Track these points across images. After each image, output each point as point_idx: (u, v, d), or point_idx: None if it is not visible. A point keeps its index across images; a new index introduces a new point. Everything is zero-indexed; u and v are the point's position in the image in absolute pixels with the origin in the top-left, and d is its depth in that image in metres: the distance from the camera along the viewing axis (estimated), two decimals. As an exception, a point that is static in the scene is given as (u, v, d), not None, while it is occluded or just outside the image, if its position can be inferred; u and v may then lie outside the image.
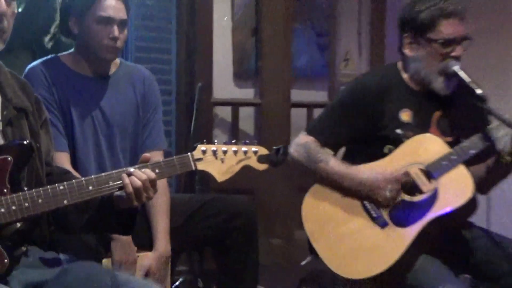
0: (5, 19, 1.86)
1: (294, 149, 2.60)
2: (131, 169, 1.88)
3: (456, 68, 2.43)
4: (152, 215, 2.65)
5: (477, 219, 2.61)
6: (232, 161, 1.98)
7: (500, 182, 2.59)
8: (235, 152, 1.99)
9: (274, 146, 2.03)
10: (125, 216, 1.98)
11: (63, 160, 2.52)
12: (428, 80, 2.54)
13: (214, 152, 1.96)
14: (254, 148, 2.00)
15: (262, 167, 2.01)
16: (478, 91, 2.38)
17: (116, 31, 2.60)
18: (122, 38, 2.66)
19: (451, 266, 2.44)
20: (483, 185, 2.59)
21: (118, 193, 1.90)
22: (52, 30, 2.74)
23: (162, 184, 2.63)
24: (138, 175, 1.87)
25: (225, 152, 1.97)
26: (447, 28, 2.49)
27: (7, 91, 1.94)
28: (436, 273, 2.37)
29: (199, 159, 1.95)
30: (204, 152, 1.95)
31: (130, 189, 1.86)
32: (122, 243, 2.50)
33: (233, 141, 2.02)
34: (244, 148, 1.99)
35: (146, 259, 2.59)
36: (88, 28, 2.61)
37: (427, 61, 2.54)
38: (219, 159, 1.97)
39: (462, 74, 2.42)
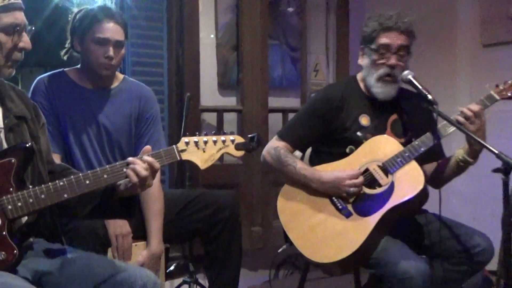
0: None
1: (267, 151, 2.64)
2: (131, 159, 1.85)
3: (410, 76, 2.44)
4: (148, 218, 2.62)
5: (430, 206, 2.60)
6: (212, 150, 1.95)
7: (452, 179, 2.60)
8: (215, 142, 1.96)
9: (249, 135, 2.02)
10: (126, 203, 1.96)
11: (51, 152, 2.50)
12: (370, 85, 2.57)
13: (196, 143, 1.94)
14: (231, 137, 1.98)
15: (239, 153, 2.00)
16: (429, 96, 2.38)
17: (111, 51, 2.57)
18: (118, 57, 2.61)
19: (410, 247, 2.44)
20: (437, 181, 2.60)
21: (121, 182, 1.87)
22: (67, 45, 2.72)
23: (157, 189, 2.63)
24: (142, 166, 1.84)
25: (205, 142, 1.95)
26: (384, 40, 2.52)
27: (7, 102, 1.92)
28: (397, 251, 2.37)
29: (183, 150, 1.92)
30: (187, 143, 1.93)
31: (135, 179, 1.83)
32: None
33: (213, 132, 2.00)
34: (222, 138, 1.97)
35: (140, 256, 2.57)
36: (88, 47, 2.59)
37: (370, 69, 2.57)
38: (200, 149, 1.94)
39: (415, 82, 2.43)
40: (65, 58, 2.75)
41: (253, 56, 4.02)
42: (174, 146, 1.92)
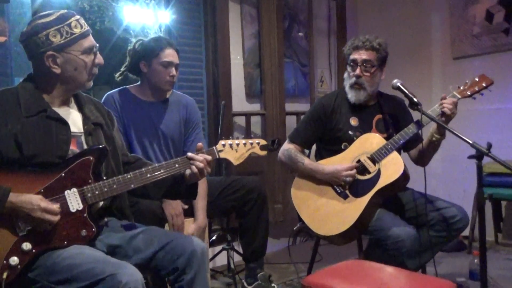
0: None
1: (281, 153, 2.68)
2: (190, 155, 1.86)
3: (399, 84, 2.39)
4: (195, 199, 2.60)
5: (415, 185, 2.55)
6: (243, 150, 1.95)
7: (432, 155, 2.54)
8: (245, 144, 1.96)
9: (270, 138, 2.02)
10: (191, 188, 1.96)
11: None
12: (346, 93, 2.56)
13: (231, 145, 1.94)
14: (257, 141, 1.99)
15: (263, 153, 1.99)
16: (415, 99, 2.33)
17: (174, 71, 2.59)
18: (177, 76, 2.63)
19: (400, 218, 2.42)
20: (422, 160, 2.57)
21: (187, 172, 1.89)
22: (122, 69, 2.70)
23: None
24: (199, 159, 1.85)
25: (238, 144, 1.95)
26: (353, 56, 2.52)
27: (86, 111, 1.91)
28: (389, 220, 2.35)
29: (221, 150, 1.93)
30: (223, 145, 1.94)
31: (195, 169, 1.84)
32: (170, 202, 2.47)
33: (243, 136, 2.03)
34: (250, 141, 1.97)
35: (190, 229, 2.56)
36: (155, 69, 2.57)
37: (347, 79, 2.58)
38: (234, 149, 1.94)
39: (403, 88, 2.38)
40: (118, 80, 2.74)
41: (272, 72, 3.98)
42: (214, 147, 1.93)
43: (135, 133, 2.58)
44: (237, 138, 1.96)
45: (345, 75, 2.59)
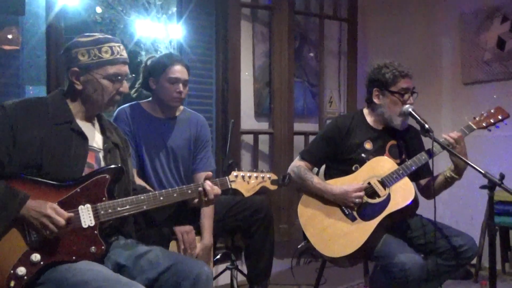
0: None
1: (291, 170, 2.68)
2: (206, 187, 1.91)
3: (411, 109, 2.42)
4: (201, 218, 2.63)
5: (424, 212, 2.56)
6: (254, 182, 2.00)
7: (442, 191, 2.56)
8: (256, 177, 2.01)
9: (282, 174, 2.06)
10: (191, 213, 2.02)
11: (134, 174, 2.51)
12: (391, 120, 2.54)
13: (243, 177, 1.99)
14: (268, 175, 2.03)
15: (273, 187, 2.05)
16: (426, 126, 2.35)
17: (181, 87, 2.61)
18: (185, 92, 2.65)
19: (408, 245, 2.40)
20: (429, 193, 2.59)
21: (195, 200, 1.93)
22: (136, 85, 2.75)
23: None
24: (213, 191, 1.91)
25: (250, 177, 2.00)
26: (403, 84, 2.50)
27: (106, 132, 1.96)
28: (396, 246, 2.34)
29: (233, 181, 1.98)
30: (236, 176, 1.99)
31: (204, 204, 1.93)
32: None
33: (254, 169, 2.05)
34: (262, 175, 2.02)
35: (196, 248, 2.56)
36: (163, 85, 2.61)
37: (389, 107, 2.53)
38: (245, 181, 1.99)
39: (415, 114, 2.40)
40: (134, 96, 2.77)
41: (282, 91, 4.00)
42: (227, 177, 1.98)
43: (145, 147, 2.61)
44: (249, 171, 2.01)
45: (384, 101, 2.53)
